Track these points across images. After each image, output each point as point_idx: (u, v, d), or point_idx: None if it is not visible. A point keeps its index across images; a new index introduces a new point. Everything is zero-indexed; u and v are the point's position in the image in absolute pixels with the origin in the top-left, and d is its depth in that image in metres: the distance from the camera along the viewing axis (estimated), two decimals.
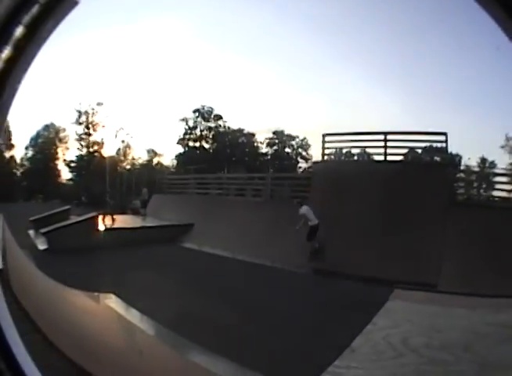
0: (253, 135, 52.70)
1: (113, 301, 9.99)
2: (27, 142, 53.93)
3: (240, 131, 52.62)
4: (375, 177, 15.58)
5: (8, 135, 50.41)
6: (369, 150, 22.59)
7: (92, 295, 10.34)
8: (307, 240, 15.79)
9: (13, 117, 57.36)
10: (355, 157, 31.87)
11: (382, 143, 17.63)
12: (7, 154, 51.97)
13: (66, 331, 5.96)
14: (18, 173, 53.77)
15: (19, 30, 1.31)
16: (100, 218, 21.25)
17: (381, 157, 17.84)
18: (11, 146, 51.75)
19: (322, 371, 5.97)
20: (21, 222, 19.85)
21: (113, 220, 22.99)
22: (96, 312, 9.65)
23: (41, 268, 10.19)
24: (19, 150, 60.80)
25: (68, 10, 1.45)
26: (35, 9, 1.32)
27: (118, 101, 67.94)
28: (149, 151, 55.15)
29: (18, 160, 53.40)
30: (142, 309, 9.46)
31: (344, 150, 31.67)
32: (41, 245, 17.68)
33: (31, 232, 20.50)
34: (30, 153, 53.37)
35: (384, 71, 46.04)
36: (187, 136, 53.48)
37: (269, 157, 52.07)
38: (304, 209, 16.27)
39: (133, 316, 9.27)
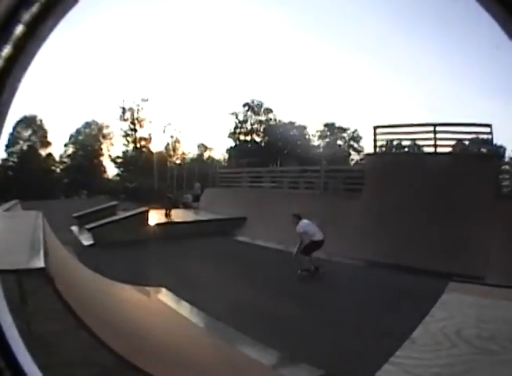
0: (304, 127, 52.69)
1: (164, 295, 10.14)
2: (65, 139, 54.40)
3: (291, 124, 52.43)
4: (426, 169, 15.53)
5: (43, 133, 51.93)
6: (418, 142, 22.52)
7: (143, 289, 10.46)
8: (303, 253, 12.88)
9: (48, 116, 58.53)
10: (406, 149, 31.68)
11: (431, 135, 17.51)
12: (43, 152, 52.81)
13: (115, 326, 6.04)
14: (58, 170, 54.20)
15: (19, 29, 1.30)
16: (152, 212, 21.41)
17: (431, 149, 17.73)
18: (47, 144, 52.57)
19: (385, 362, 6.23)
20: (63, 219, 20.08)
21: (169, 215, 23.49)
22: (147, 306, 9.62)
23: (85, 263, 10.20)
24: (58, 148, 62.04)
25: (69, 8, 1.44)
26: (35, 8, 1.32)
27: (165, 96, 68.79)
28: (199, 146, 55.53)
29: (57, 158, 53.89)
30: (194, 303, 9.54)
31: (395, 142, 31.57)
32: (86, 241, 17.79)
33: (74, 228, 20.72)
34: (70, 150, 53.91)
35: (432, 63, 45.47)
36: (238, 130, 53.75)
37: (321, 149, 51.75)
38: (303, 225, 13.11)
39: (185, 309, 9.34)
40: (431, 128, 17.58)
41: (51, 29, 1.38)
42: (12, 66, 1.30)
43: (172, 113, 60.64)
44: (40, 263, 4.86)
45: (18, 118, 50.33)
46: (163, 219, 22.13)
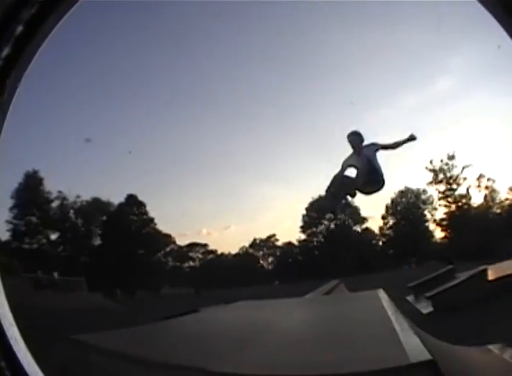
0: None
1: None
2: (379, 211, 57.25)
3: None
4: None
5: (353, 210, 55.56)
6: None
7: (484, 350, 10.25)
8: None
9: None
10: None
11: None
12: (358, 228, 57.32)
13: None
14: (380, 243, 57.63)
15: (19, 29, 1.32)
16: (492, 267, 21.39)
17: None
18: (363, 220, 57.14)
19: None
20: (396, 290, 20.34)
21: None
22: (490, 366, 9.41)
23: (428, 331, 10.28)
24: (375, 221, 64.49)
25: (68, 8, 1.45)
26: (35, 8, 1.33)
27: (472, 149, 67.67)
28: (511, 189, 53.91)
29: (376, 231, 57.63)
30: None
31: None
32: (424, 309, 18.22)
33: (410, 298, 21.47)
34: (390, 221, 56.80)
35: None
36: None
37: None
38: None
39: None
40: None
41: (51, 29, 1.42)
42: (12, 66, 1.35)
43: (480, 164, 58.65)
44: (424, 355, 4.53)
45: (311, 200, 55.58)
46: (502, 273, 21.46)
